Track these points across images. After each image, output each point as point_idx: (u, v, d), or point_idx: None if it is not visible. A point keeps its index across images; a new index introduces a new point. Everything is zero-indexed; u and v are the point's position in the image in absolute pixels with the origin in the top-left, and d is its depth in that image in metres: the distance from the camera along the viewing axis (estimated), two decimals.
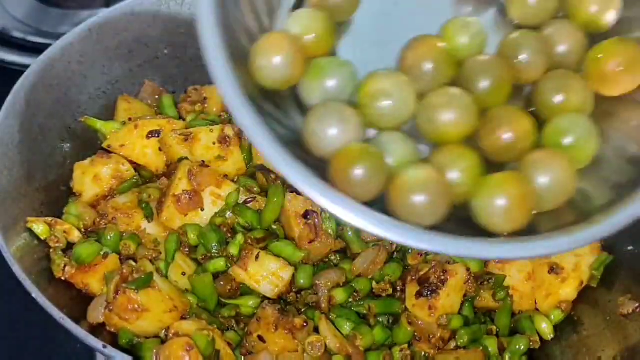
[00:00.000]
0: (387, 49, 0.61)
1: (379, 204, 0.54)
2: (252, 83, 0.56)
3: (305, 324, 0.74)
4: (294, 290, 0.78)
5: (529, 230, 0.54)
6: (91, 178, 0.83)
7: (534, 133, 0.56)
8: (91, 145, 0.88)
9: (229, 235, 0.80)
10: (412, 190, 0.52)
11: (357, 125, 0.55)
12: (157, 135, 0.84)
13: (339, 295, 0.77)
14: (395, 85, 0.56)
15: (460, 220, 0.55)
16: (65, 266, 0.76)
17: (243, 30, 0.58)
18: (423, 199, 0.52)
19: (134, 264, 0.76)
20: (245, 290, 0.78)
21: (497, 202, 0.52)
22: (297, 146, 0.56)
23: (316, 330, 0.75)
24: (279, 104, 0.58)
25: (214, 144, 0.82)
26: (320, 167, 0.54)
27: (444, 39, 0.61)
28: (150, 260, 0.78)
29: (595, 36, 0.61)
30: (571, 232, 0.52)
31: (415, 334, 0.77)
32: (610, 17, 0.61)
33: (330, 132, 0.54)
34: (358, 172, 0.52)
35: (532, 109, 0.61)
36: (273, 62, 0.55)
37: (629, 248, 0.79)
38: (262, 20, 0.61)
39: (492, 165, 0.57)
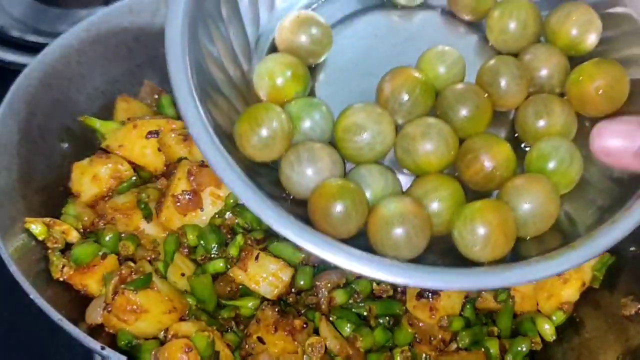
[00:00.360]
0: (367, 82, 0.61)
1: (362, 237, 0.54)
2: (239, 154, 0.56)
3: (305, 326, 0.74)
4: (293, 291, 0.78)
5: (514, 257, 0.54)
6: (90, 178, 0.82)
7: (514, 161, 0.56)
8: (90, 145, 0.87)
9: (229, 236, 0.80)
10: (390, 224, 0.52)
11: (332, 162, 0.55)
12: (156, 135, 0.83)
13: (339, 297, 0.77)
14: (371, 118, 0.56)
15: (442, 250, 0.55)
16: (63, 267, 0.75)
17: (224, 79, 0.59)
18: (401, 233, 0.51)
19: (132, 264, 0.76)
20: (244, 292, 0.78)
21: (477, 231, 0.52)
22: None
23: (316, 331, 0.75)
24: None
25: None
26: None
27: (421, 69, 0.61)
28: (149, 261, 0.78)
29: (577, 58, 0.61)
30: (551, 258, 0.52)
31: (416, 335, 0.77)
32: (590, 39, 0.61)
33: (304, 175, 0.54)
34: (337, 209, 0.52)
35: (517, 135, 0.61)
36: (261, 139, 0.55)
37: (632, 249, 0.79)
38: (242, 66, 0.62)
39: (474, 192, 0.57)
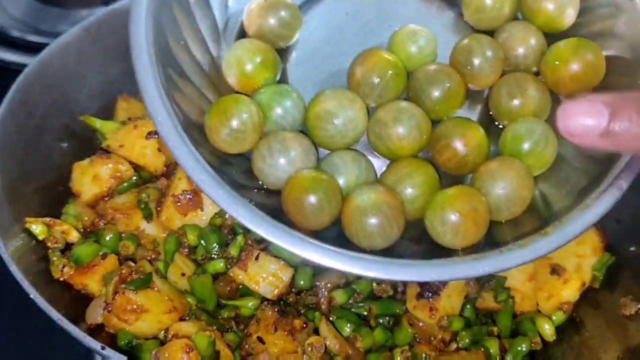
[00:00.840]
0: (339, 62, 0.60)
1: (336, 224, 0.53)
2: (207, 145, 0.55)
3: (305, 325, 0.74)
4: (293, 291, 0.78)
5: (488, 240, 0.54)
6: (90, 178, 0.82)
7: (486, 145, 0.56)
8: (90, 145, 0.87)
9: (229, 237, 0.80)
10: (364, 215, 0.51)
11: (304, 152, 0.54)
12: (156, 136, 0.83)
13: (339, 297, 0.77)
14: (342, 105, 0.55)
15: (416, 236, 0.55)
16: (63, 267, 0.75)
17: (193, 64, 0.58)
18: (375, 223, 0.51)
19: (133, 264, 0.76)
20: (244, 292, 0.78)
21: (447, 221, 0.52)
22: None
23: (316, 331, 0.75)
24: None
25: None
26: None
27: (393, 50, 0.60)
28: (150, 261, 0.78)
29: (554, 35, 0.61)
30: (523, 246, 0.52)
31: (416, 335, 0.76)
32: (569, 16, 0.60)
33: (276, 166, 0.54)
34: (310, 201, 0.51)
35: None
36: (231, 129, 0.54)
37: (632, 249, 0.79)
38: (211, 52, 0.60)
39: (448, 176, 0.57)
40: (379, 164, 0.58)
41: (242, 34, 0.63)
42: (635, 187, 0.80)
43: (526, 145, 0.55)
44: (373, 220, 0.51)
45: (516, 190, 0.53)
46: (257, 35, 0.61)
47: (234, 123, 0.54)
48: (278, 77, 0.61)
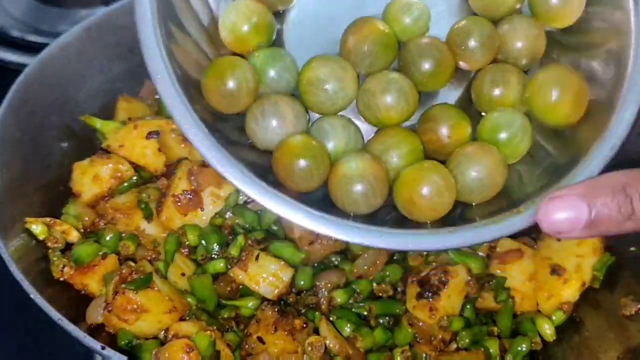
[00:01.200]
0: (334, 28, 0.61)
1: (322, 188, 0.56)
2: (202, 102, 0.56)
3: (305, 325, 0.74)
4: (294, 291, 0.78)
5: (460, 220, 0.55)
6: (90, 178, 0.82)
7: (469, 140, 0.57)
8: (90, 145, 0.87)
9: (230, 237, 0.80)
10: (350, 183, 0.53)
11: (295, 116, 0.56)
12: (156, 136, 0.83)
13: (340, 297, 0.77)
14: (333, 72, 0.57)
15: (393, 203, 0.57)
16: (63, 267, 0.75)
17: (193, 19, 0.59)
18: (360, 191, 0.53)
19: (133, 264, 0.76)
20: (245, 292, 0.77)
21: (353, 188, 0.54)
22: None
23: (316, 331, 0.75)
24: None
25: None
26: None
27: (386, 20, 0.61)
28: (150, 261, 0.78)
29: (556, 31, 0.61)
30: (496, 222, 0.53)
31: (416, 335, 0.76)
32: (574, 9, 0.60)
33: (268, 128, 0.56)
34: (300, 166, 0.54)
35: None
36: (227, 89, 0.55)
37: (632, 249, 0.79)
38: (210, 5, 0.61)
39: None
40: (367, 129, 0.59)
41: None
42: None
43: (503, 135, 0.56)
44: (358, 188, 0.53)
45: (490, 175, 0.55)
46: None
47: (230, 85, 0.55)
48: (272, 40, 0.61)
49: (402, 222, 0.55)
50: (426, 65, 0.58)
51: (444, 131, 0.56)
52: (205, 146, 0.52)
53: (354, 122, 0.59)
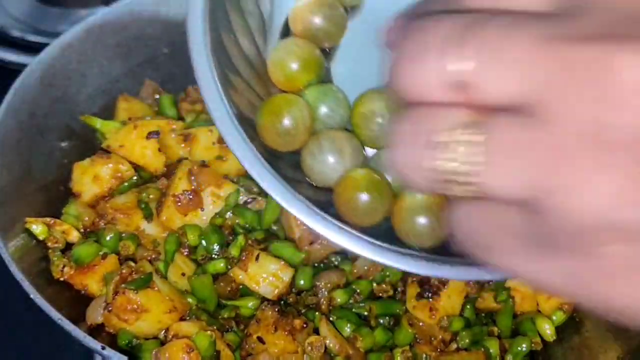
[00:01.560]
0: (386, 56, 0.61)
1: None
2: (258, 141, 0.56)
3: (305, 325, 0.74)
4: (294, 291, 0.78)
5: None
6: (91, 178, 0.82)
7: None
8: (90, 145, 0.87)
9: (230, 237, 0.80)
10: (413, 213, 0.53)
11: (353, 150, 0.56)
12: (156, 136, 0.83)
13: (340, 297, 0.77)
14: (387, 104, 0.56)
15: None
16: (64, 267, 0.75)
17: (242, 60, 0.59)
18: (425, 222, 0.52)
19: (133, 264, 0.76)
20: (245, 292, 0.78)
21: (418, 221, 0.53)
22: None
23: (316, 331, 0.75)
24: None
25: (213, 144, 0.82)
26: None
27: None
28: (150, 261, 0.78)
29: None
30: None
31: (416, 335, 0.76)
32: None
33: (325, 163, 0.55)
34: (363, 200, 0.53)
35: None
36: (283, 127, 0.55)
37: None
38: (257, 43, 0.61)
39: None
40: None
41: (286, 28, 0.63)
42: None
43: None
44: (423, 221, 0.52)
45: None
46: (302, 34, 0.61)
47: (286, 122, 0.55)
48: (322, 77, 0.61)
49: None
50: None
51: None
52: (269, 182, 0.51)
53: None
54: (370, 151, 0.59)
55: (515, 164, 0.26)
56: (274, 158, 0.55)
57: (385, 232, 0.54)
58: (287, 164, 0.57)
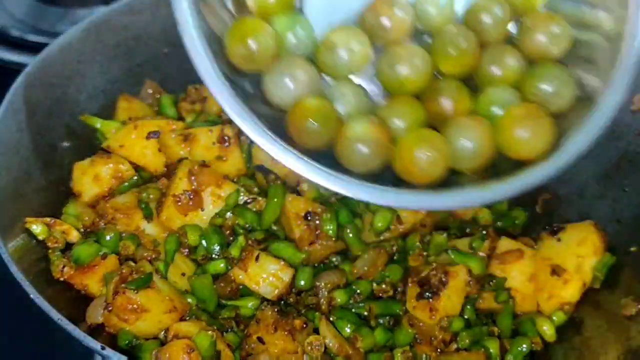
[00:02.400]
0: (352, 4, 0.65)
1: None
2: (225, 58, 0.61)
3: (305, 325, 0.74)
4: (294, 291, 0.78)
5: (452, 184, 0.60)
6: (91, 178, 0.82)
7: (470, 107, 0.62)
8: (90, 145, 0.87)
9: (230, 238, 0.80)
10: (352, 142, 0.58)
11: (310, 78, 0.61)
12: (156, 136, 0.83)
13: (340, 297, 0.77)
14: (349, 38, 0.62)
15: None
16: (63, 267, 0.75)
17: None
18: (361, 150, 0.58)
19: (133, 264, 0.76)
20: (245, 292, 0.77)
21: (417, 155, 0.58)
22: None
23: (316, 331, 0.75)
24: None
25: (213, 144, 0.82)
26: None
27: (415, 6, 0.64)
28: (150, 261, 0.78)
29: None
30: (481, 188, 0.58)
31: (416, 335, 0.76)
32: None
33: (283, 88, 0.60)
34: (311, 127, 0.59)
35: None
36: (248, 50, 0.60)
37: (632, 249, 0.79)
38: None
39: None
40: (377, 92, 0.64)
41: None
42: (635, 188, 0.81)
43: (497, 110, 0.60)
44: (360, 149, 0.58)
45: (480, 145, 0.59)
46: None
47: (251, 46, 0.60)
48: (294, 8, 0.64)
49: (399, 184, 0.59)
50: (452, 51, 0.61)
51: (446, 103, 0.60)
52: (224, 96, 0.58)
53: (364, 88, 0.63)
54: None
55: None
56: (237, 75, 0.60)
57: (327, 156, 0.60)
58: (251, 80, 0.62)
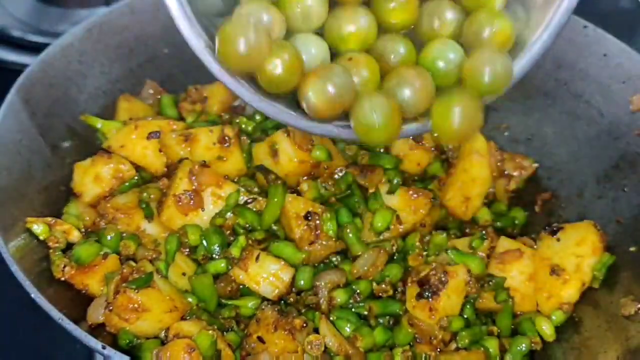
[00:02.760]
0: None
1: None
2: None
3: (304, 325, 0.74)
4: (294, 291, 0.78)
5: None
6: (92, 178, 0.82)
7: (414, 60, 0.64)
8: (91, 145, 0.87)
9: (231, 238, 0.80)
10: (324, 80, 0.60)
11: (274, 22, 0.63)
12: (157, 136, 0.83)
13: (340, 296, 0.77)
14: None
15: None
16: (64, 267, 0.75)
17: None
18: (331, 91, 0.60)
19: (134, 264, 0.76)
20: (245, 291, 0.78)
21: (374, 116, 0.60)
22: None
23: (316, 331, 0.75)
24: None
25: (214, 144, 0.82)
26: None
27: None
28: (150, 261, 0.78)
29: None
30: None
31: (416, 335, 0.76)
32: None
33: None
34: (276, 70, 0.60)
35: None
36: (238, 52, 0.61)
37: (631, 249, 0.79)
38: None
39: None
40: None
41: None
42: (634, 188, 0.81)
43: (441, 64, 0.63)
44: (329, 87, 0.60)
45: (420, 95, 0.61)
46: None
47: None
48: None
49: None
50: (392, 4, 0.64)
51: (392, 57, 0.64)
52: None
53: (323, 40, 0.65)
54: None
55: None
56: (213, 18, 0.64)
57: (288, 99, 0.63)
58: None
